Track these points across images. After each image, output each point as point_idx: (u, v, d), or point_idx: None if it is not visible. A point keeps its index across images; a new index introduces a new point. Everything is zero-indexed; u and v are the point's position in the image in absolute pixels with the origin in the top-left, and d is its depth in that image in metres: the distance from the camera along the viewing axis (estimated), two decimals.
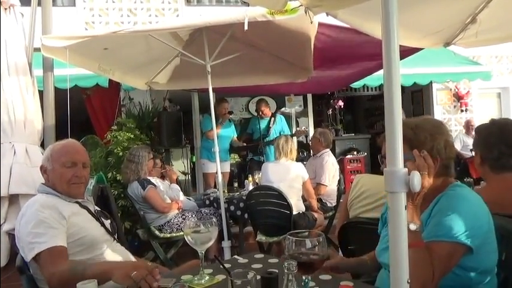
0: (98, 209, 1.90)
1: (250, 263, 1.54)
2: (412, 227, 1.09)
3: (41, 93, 3.39)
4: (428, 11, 2.83)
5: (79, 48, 3.18)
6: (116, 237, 1.84)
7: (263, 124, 5.79)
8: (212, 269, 1.48)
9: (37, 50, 3.31)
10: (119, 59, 3.89)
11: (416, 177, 0.83)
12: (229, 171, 5.75)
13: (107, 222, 1.85)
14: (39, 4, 3.34)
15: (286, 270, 1.02)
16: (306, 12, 2.27)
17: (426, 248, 1.14)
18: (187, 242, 1.35)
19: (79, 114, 6.12)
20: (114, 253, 1.75)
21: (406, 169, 0.84)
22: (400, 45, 3.13)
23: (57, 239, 1.54)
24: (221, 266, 1.25)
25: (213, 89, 5.52)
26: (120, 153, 4.35)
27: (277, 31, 3.47)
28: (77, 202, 1.76)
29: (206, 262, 1.46)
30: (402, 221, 0.82)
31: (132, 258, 1.83)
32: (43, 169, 1.78)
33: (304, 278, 1.09)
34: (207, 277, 1.38)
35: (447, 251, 1.17)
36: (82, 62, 3.53)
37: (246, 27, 2.73)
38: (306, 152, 6.60)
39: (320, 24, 3.30)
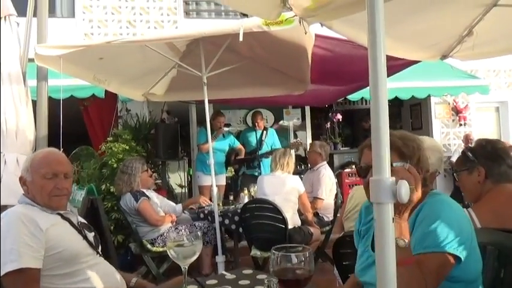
0: (82, 221, 1.83)
1: (237, 279, 1.48)
2: (401, 243, 1.04)
3: (34, 103, 3.35)
4: (424, 23, 2.82)
5: (73, 58, 3.15)
6: (99, 250, 1.77)
7: (258, 136, 5.75)
8: (197, 285, 1.42)
9: (32, 60, 3.29)
10: (115, 70, 3.87)
11: (404, 186, 0.78)
12: (225, 184, 5.68)
13: (91, 235, 1.77)
14: (34, 15, 3.33)
15: None
16: (300, 23, 2.25)
17: (416, 263, 1.08)
18: (170, 256, 1.29)
19: (76, 125, 6.09)
20: (97, 267, 1.67)
21: (393, 178, 0.79)
22: (397, 58, 3.11)
23: (29, 260, 1.46)
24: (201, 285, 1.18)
25: (211, 101, 5.55)
26: (115, 165, 4.30)
27: (273, 43, 3.46)
28: (58, 214, 1.70)
29: (201, 276, 1.40)
30: (390, 234, 0.77)
31: (117, 273, 1.76)
32: (22, 180, 1.70)
33: None
34: None
35: (438, 263, 1.12)
36: (76, 71, 3.51)
37: (241, 38, 2.71)
38: (303, 165, 6.54)
39: (317, 37, 3.30)
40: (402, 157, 1.18)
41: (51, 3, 6.37)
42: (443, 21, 2.82)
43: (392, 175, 0.80)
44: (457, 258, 1.15)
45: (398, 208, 1.01)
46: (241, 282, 1.44)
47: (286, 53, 3.66)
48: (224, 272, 1.58)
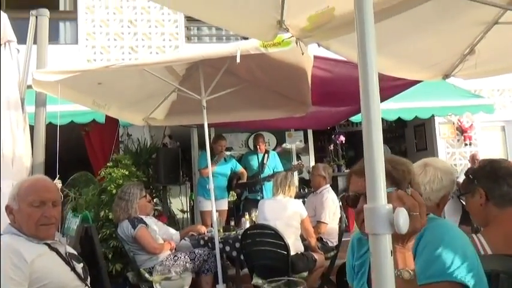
0: (71, 251, 1.75)
1: None
2: (406, 275, 0.94)
3: (32, 128, 3.33)
4: (424, 42, 2.79)
5: (72, 83, 3.14)
6: (87, 283, 1.67)
7: (260, 159, 5.67)
8: None
9: (31, 86, 3.29)
10: (114, 94, 3.86)
11: (402, 215, 0.70)
12: (227, 209, 5.57)
13: (79, 266, 1.69)
14: (34, 42, 3.35)
15: None
16: (296, 43, 2.22)
17: None
18: None
19: (78, 150, 6.07)
20: None
21: (390, 205, 0.71)
22: (398, 78, 3.05)
23: None
24: None
25: (212, 125, 5.52)
26: (114, 191, 4.22)
27: (272, 65, 3.44)
28: (45, 244, 1.62)
29: None
30: (388, 268, 0.68)
31: None
32: (8, 209, 1.64)
33: None
34: None
35: None
36: (75, 96, 3.49)
37: (238, 60, 2.69)
38: (307, 188, 6.42)
39: (316, 58, 3.27)
40: (393, 182, 1.10)
41: (55, 30, 6.52)
42: (444, 40, 2.78)
43: None
44: (463, 286, 1.06)
45: (402, 237, 0.92)
46: None
47: (285, 75, 3.63)
48: None
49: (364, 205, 0.71)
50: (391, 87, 3.71)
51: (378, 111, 0.72)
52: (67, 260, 1.66)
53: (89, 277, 1.70)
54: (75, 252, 1.79)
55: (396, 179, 1.15)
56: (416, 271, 0.99)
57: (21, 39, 3.37)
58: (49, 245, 1.63)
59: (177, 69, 3.95)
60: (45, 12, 3.25)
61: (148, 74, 3.51)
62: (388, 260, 0.68)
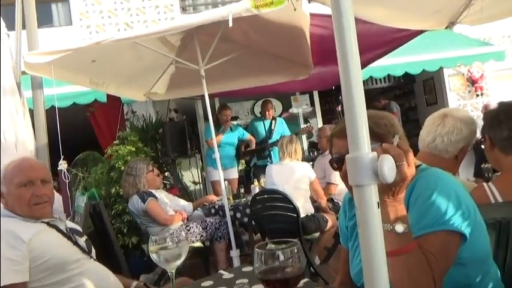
0: (71, 226, 1.75)
1: (235, 278, 1.38)
2: (400, 228, 0.90)
3: (32, 112, 3.31)
4: None
5: (65, 63, 3.09)
6: (92, 255, 1.69)
7: (267, 125, 5.63)
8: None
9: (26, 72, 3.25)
10: (111, 71, 3.80)
11: (386, 162, 0.65)
12: (237, 177, 5.58)
13: (81, 240, 1.70)
14: (23, 27, 3.27)
15: None
16: (288, 0, 2.11)
17: (418, 247, 0.95)
18: (154, 260, 1.19)
19: (85, 131, 6.11)
20: (89, 272, 1.60)
21: (374, 153, 0.66)
22: (402, 29, 2.91)
23: (11, 275, 1.39)
24: None
25: (215, 95, 5.45)
26: (122, 168, 4.24)
27: (268, 27, 3.32)
28: (43, 222, 1.62)
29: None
30: (375, 223, 0.63)
31: (112, 277, 1.68)
32: None
33: None
34: None
35: (441, 243, 0.99)
36: (70, 77, 3.44)
37: (230, 24, 2.58)
38: (316, 151, 6.38)
39: (313, 16, 3.14)
40: (376, 138, 1.05)
41: (47, 13, 6.40)
42: None
43: None
44: (461, 236, 1.02)
45: (392, 188, 0.88)
46: (239, 281, 1.33)
47: (283, 37, 3.51)
48: (222, 272, 1.48)
49: (346, 155, 0.67)
50: (394, 39, 3.57)
51: (356, 56, 0.65)
52: (68, 235, 1.66)
53: (93, 249, 1.72)
54: (77, 227, 1.79)
55: (379, 134, 1.11)
56: (410, 223, 0.95)
57: (10, 25, 3.30)
58: (47, 223, 1.63)
59: (171, 40, 3.86)
60: None
61: (143, 47, 3.43)
62: (375, 213, 0.63)
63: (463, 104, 7.40)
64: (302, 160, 3.83)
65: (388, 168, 0.64)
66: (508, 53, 6.84)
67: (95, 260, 1.69)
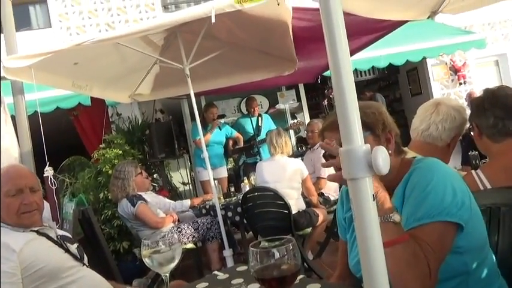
0: (62, 233, 1.71)
1: (230, 278, 1.36)
2: (397, 217, 0.90)
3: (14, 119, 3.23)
4: None
5: (46, 66, 3.01)
6: (85, 262, 1.65)
7: (254, 122, 5.61)
8: None
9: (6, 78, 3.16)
10: (94, 73, 3.73)
11: (380, 153, 0.63)
12: (226, 176, 5.56)
13: (73, 247, 1.66)
14: (0, 31, 3.18)
15: None
16: None
17: (412, 237, 0.95)
18: (147, 265, 1.16)
19: (69, 135, 5.99)
20: (83, 279, 1.56)
21: (368, 146, 0.65)
22: (383, 20, 2.90)
23: (10, 287, 1.36)
24: None
25: (201, 93, 5.40)
26: (110, 171, 4.19)
27: (252, 22, 3.29)
28: (33, 231, 1.57)
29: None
30: (371, 216, 0.62)
31: (105, 283, 1.64)
32: None
33: None
34: None
35: (438, 234, 0.98)
36: (52, 80, 3.36)
37: (213, 20, 2.55)
38: (304, 146, 6.39)
39: (295, 9, 3.12)
40: (366, 127, 1.05)
41: (25, 15, 6.25)
42: None
43: None
44: (457, 226, 1.02)
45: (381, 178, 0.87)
46: (234, 281, 1.31)
47: (267, 32, 3.49)
48: (216, 272, 1.46)
49: (340, 149, 0.65)
50: (376, 29, 3.57)
51: (345, 47, 0.63)
52: (59, 242, 1.62)
53: (85, 256, 1.68)
54: (68, 234, 1.75)
55: (368, 123, 1.11)
56: (406, 216, 0.95)
57: None
58: (37, 231, 1.59)
59: (154, 40, 3.80)
60: None
61: (126, 48, 3.37)
62: (371, 206, 0.62)
63: (447, 93, 7.49)
64: (294, 156, 3.82)
65: (382, 159, 0.63)
66: (488, 40, 6.96)
67: (87, 267, 1.65)
